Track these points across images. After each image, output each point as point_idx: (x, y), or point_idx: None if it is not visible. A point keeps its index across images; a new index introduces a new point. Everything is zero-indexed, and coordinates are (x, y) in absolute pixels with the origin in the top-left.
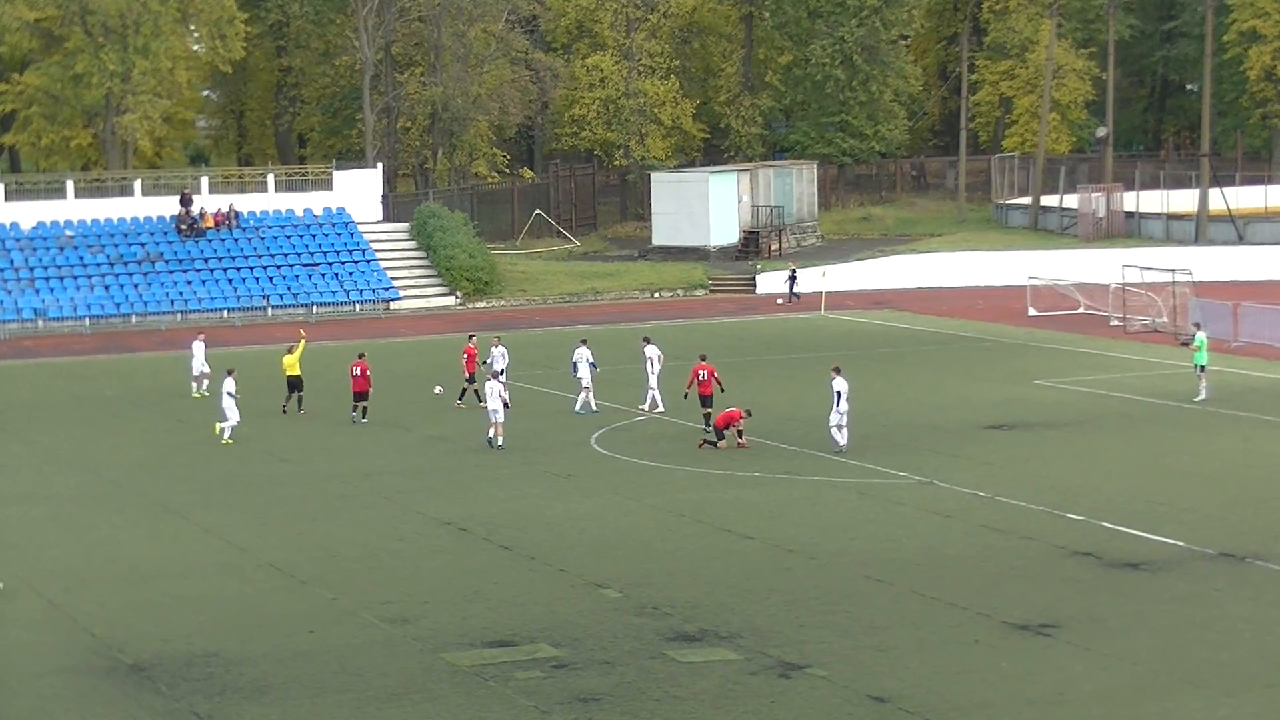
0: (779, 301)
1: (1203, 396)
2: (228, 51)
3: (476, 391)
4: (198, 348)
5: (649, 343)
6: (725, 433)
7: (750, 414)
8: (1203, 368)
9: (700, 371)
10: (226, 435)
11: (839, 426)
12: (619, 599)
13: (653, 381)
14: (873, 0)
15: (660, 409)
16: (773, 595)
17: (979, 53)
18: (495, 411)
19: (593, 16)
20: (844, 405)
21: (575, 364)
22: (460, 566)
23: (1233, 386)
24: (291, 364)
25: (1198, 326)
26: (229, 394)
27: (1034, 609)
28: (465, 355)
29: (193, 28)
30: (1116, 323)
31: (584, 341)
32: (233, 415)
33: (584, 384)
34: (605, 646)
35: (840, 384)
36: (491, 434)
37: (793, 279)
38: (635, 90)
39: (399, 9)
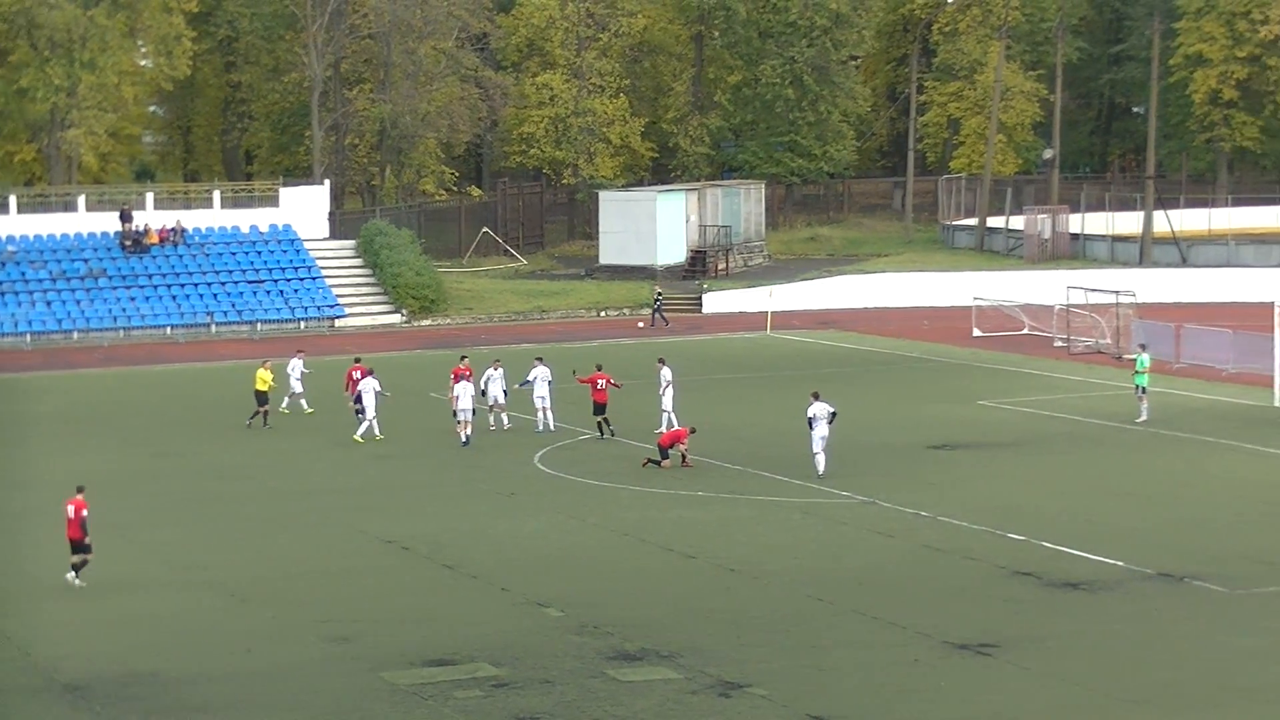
0: (640, 326)
1: (1144, 418)
2: (172, 69)
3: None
4: (295, 364)
5: (664, 364)
6: (670, 452)
7: (694, 431)
8: (1144, 389)
9: (599, 380)
10: (368, 432)
11: (819, 452)
12: (560, 618)
13: (666, 403)
14: (823, 21)
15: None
16: (714, 614)
17: (928, 74)
18: (465, 410)
19: (544, 35)
20: (823, 430)
21: (533, 382)
22: (401, 585)
23: (1174, 408)
24: (263, 379)
25: (1143, 348)
26: (377, 392)
27: (975, 628)
28: (454, 376)
29: (140, 43)
30: (1060, 344)
31: (540, 359)
32: (370, 412)
33: (541, 404)
34: (545, 665)
35: (815, 409)
36: (464, 434)
37: (658, 300)
38: (584, 109)
39: (349, 25)
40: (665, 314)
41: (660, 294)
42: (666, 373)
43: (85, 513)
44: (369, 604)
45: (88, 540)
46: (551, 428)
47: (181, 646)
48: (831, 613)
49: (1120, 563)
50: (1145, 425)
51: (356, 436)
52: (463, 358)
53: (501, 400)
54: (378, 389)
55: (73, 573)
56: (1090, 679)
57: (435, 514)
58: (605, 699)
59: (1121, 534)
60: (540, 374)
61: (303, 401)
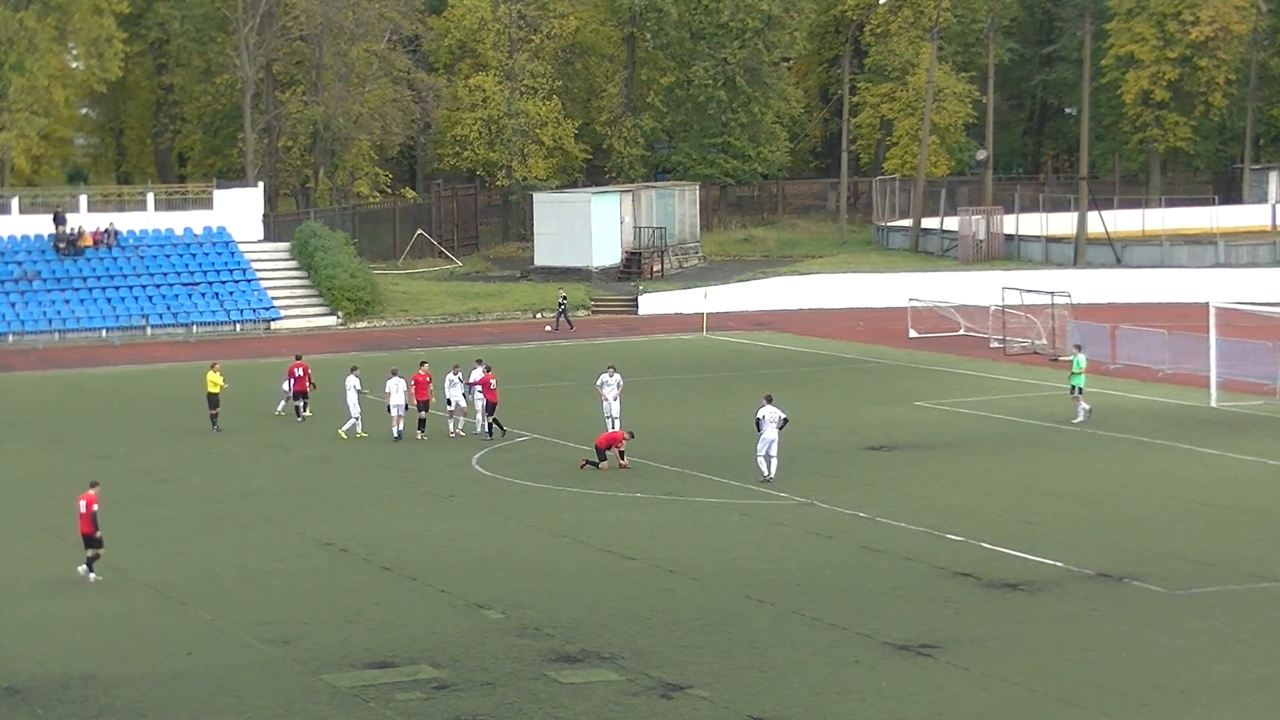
0: (548, 330)
1: (1080, 418)
2: (104, 71)
3: (422, 421)
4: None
5: (614, 371)
6: (607, 454)
7: (632, 436)
8: (1080, 389)
9: (491, 380)
10: (351, 430)
11: (765, 456)
12: (500, 620)
13: (614, 410)
14: (755, 22)
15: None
16: (654, 616)
17: (860, 75)
18: (398, 406)
19: (475, 37)
20: (770, 434)
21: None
22: (341, 587)
23: (1110, 408)
24: (214, 381)
25: (1079, 348)
26: (356, 389)
27: (913, 629)
28: (415, 383)
29: (71, 45)
30: (996, 345)
31: (480, 361)
32: (355, 410)
33: (480, 405)
34: (486, 667)
35: (765, 412)
36: (396, 429)
37: (563, 303)
38: (517, 110)
39: (280, 27)
40: (568, 317)
41: (565, 297)
42: (618, 378)
43: (96, 507)
44: (308, 606)
45: (98, 534)
46: (476, 429)
47: (121, 649)
48: (771, 614)
49: (1059, 563)
50: (1082, 426)
51: (341, 432)
52: (422, 363)
53: (462, 404)
54: (358, 387)
55: (85, 566)
56: (1029, 679)
57: (373, 516)
58: (546, 701)
59: (1059, 534)
60: (474, 375)
61: (281, 404)
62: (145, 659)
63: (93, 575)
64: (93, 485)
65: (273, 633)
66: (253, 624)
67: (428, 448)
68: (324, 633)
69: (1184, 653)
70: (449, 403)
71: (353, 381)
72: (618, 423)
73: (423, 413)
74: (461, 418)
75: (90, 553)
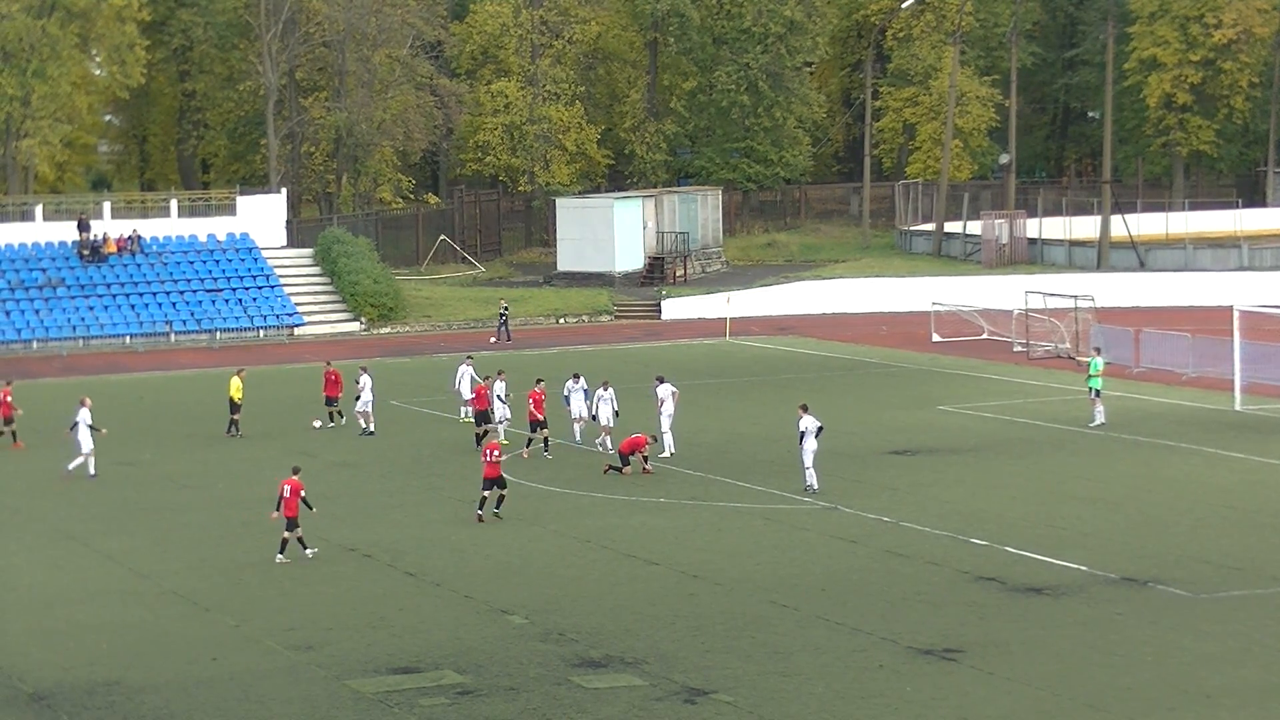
0: (492, 341)
1: (1099, 421)
2: (126, 78)
3: (541, 440)
4: (464, 370)
5: (663, 382)
6: (630, 459)
7: (655, 440)
8: (1098, 392)
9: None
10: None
11: (810, 467)
12: (524, 625)
13: (665, 424)
14: (777, 27)
15: (667, 454)
16: (678, 621)
17: (882, 80)
18: (368, 403)
19: (497, 42)
20: (810, 443)
21: (568, 396)
22: (364, 593)
23: (1133, 412)
24: (236, 387)
25: (1098, 351)
26: (499, 398)
27: (938, 634)
28: (531, 400)
29: (94, 52)
30: (1020, 348)
31: (577, 375)
32: (501, 411)
33: (581, 417)
34: (510, 673)
35: (806, 422)
36: (368, 425)
37: (504, 315)
38: (540, 116)
39: (303, 34)
40: (509, 328)
41: (506, 307)
42: (665, 390)
43: (303, 492)
44: (332, 612)
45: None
46: (606, 447)
47: (146, 655)
48: (795, 619)
49: (1083, 567)
50: (1103, 429)
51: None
52: (539, 381)
53: (612, 422)
54: (501, 394)
55: (288, 550)
56: (1053, 684)
57: (397, 521)
58: (570, 706)
59: (1084, 538)
60: (574, 387)
61: (468, 410)
62: (170, 665)
63: (308, 551)
64: (295, 471)
65: (297, 638)
66: (277, 630)
67: (450, 454)
68: (348, 638)
69: (1209, 657)
70: (594, 418)
71: (499, 388)
72: (667, 436)
73: (535, 431)
74: (608, 437)
75: (291, 535)
